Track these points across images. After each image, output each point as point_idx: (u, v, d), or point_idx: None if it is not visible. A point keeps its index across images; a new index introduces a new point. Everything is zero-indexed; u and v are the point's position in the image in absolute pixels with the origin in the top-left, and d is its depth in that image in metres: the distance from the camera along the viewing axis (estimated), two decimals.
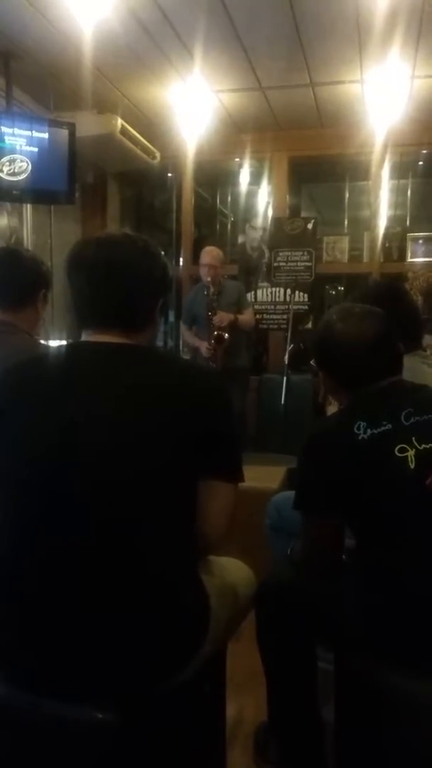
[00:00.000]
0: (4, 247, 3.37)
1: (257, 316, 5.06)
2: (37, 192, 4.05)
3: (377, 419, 1.42)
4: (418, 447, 1.39)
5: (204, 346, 4.31)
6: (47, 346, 2.04)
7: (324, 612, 1.49)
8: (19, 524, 1.21)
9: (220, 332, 4.23)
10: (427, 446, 1.39)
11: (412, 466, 1.38)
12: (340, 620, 1.44)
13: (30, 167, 3.93)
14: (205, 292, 4.38)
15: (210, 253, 4.47)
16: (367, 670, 1.38)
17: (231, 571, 1.51)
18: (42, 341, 2.16)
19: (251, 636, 1.61)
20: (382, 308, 1.61)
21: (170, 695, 1.21)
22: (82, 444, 1.18)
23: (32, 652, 1.17)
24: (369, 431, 1.41)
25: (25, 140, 3.93)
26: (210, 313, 4.27)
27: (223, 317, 4.27)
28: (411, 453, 1.39)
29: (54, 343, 2.45)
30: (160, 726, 1.23)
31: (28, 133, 3.94)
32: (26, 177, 3.93)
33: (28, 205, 4.40)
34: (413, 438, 1.40)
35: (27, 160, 3.92)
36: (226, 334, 4.23)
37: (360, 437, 1.41)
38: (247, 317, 4.52)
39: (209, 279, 4.34)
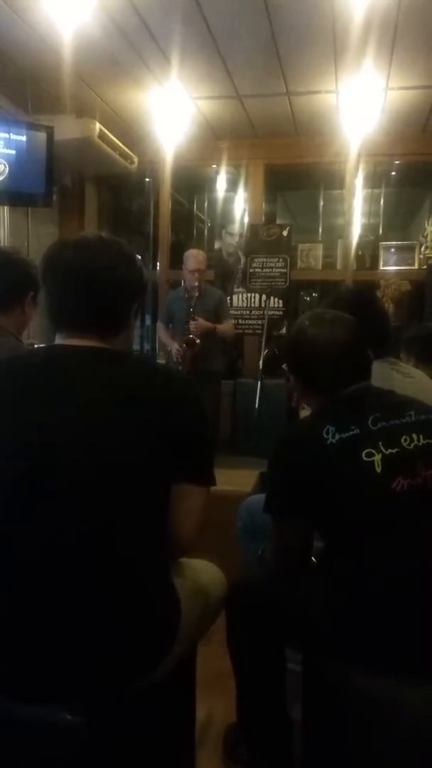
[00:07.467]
0: None
1: (233, 321, 5.10)
2: (14, 194, 4.05)
3: (345, 424, 1.45)
4: (384, 451, 1.42)
5: (175, 348, 4.31)
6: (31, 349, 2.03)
7: (293, 614, 1.52)
8: None
9: (191, 337, 4.21)
10: (393, 451, 1.42)
11: (379, 470, 1.41)
12: (308, 622, 1.47)
13: (7, 169, 3.93)
14: (186, 295, 4.35)
15: (195, 258, 4.39)
16: (333, 671, 1.41)
17: (202, 573, 1.53)
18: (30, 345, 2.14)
19: (221, 638, 1.63)
20: (352, 315, 1.64)
21: (140, 696, 1.22)
22: (55, 445, 1.18)
23: (0, 653, 1.18)
24: (337, 436, 1.44)
25: (2, 143, 3.93)
26: (189, 318, 4.24)
27: (200, 325, 4.22)
28: (377, 457, 1.42)
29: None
30: (130, 727, 1.24)
31: (5, 135, 3.94)
32: (3, 179, 3.93)
33: (5, 207, 4.38)
34: (380, 443, 1.43)
35: (4, 162, 3.93)
36: (198, 340, 4.21)
37: (329, 441, 1.43)
38: (225, 327, 4.46)
39: (196, 284, 4.29)
